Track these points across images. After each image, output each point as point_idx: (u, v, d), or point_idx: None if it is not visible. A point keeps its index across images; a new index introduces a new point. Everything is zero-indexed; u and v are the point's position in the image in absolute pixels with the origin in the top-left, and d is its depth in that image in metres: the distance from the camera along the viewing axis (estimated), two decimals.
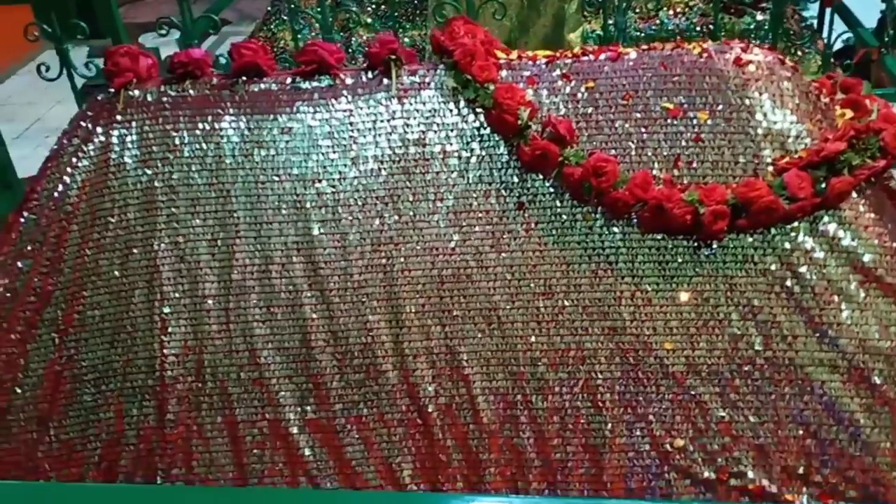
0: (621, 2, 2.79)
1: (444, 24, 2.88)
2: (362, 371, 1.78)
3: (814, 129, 1.73)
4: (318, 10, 3.67)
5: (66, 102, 4.46)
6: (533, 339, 1.75)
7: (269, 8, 4.17)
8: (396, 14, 3.17)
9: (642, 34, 3.70)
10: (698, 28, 3.66)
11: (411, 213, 1.80)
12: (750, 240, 1.71)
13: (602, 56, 1.80)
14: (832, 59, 2.94)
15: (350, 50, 3.82)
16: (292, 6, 3.35)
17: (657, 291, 1.72)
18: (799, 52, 3.44)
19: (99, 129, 1.88)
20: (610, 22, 3.10)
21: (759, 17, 3.68)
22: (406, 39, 3.77)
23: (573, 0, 3.42)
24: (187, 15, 2.77)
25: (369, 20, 3.92)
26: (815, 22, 3.89)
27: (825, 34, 3.50)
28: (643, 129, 1.75)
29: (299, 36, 3.27)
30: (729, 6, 3.69)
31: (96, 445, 1.82)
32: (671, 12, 3.74)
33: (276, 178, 1.82)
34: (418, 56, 3.67)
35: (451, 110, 1.82)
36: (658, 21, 3.68)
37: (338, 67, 1.85)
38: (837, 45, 2.82)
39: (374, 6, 3.93)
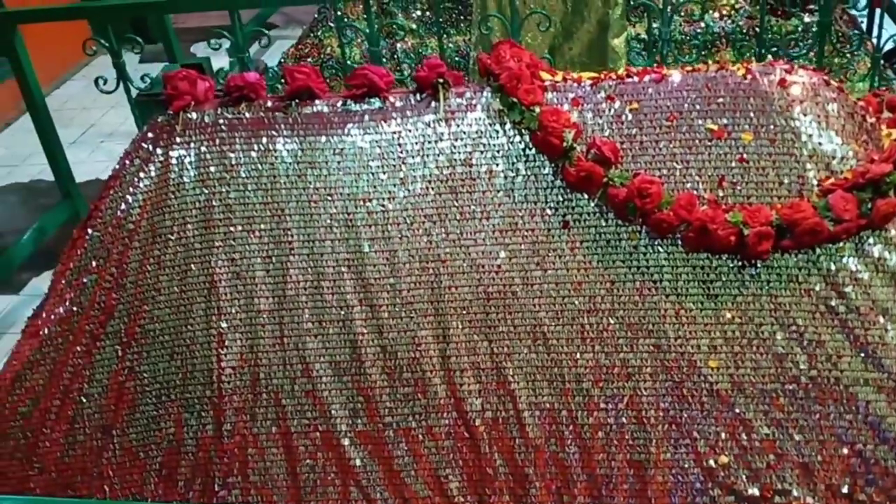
0: (665, 6, 2.79)
1: (489, 39, 2.91)
2: (411, 385, 1.83)
3: (859, 151, 1.74)
4: (365, 19, 3.74)
5: (119, 107, 4.61)
6: (578, 355, 1.78)
7: (315, 15, 4.24)
8: (441, 20, 3.20)
9: (687, 37, 3.68)
10: (744, 31, 3.64)
11: (458, 232, 1.85)
12: (794, 260, 1.72)
13: (646, 78, 1.83)
14: (882, 62, 2.91)
15: (395, 56, 3.87)
16: (338, 13, 3.41)
17: (701, 310, 1.75)
18: (847, 55, 3.40)
19: (159, 151, 1.96)
20: (655, 26, 3.10)
21: (807, 19, 3.64)
22: (450, 45, 3.81)
23: (617, 5, 3.42)
24: (238, 27, 2.85)
25: (414, 26, 3.96)
26: (864, 21, 3.84)
27: (874, 35, 3.47)
28: (687, 150, 1.77)
29: (346, 42, 3.33)
30: (776, 8, 3.65)
31: (157, 453, 1.91)
32: (717, 15, 3.72)
33: (328, 198, 1.89)
34: (463, 62, 3.73)
35: (497, 132, 1.86)
36: (703, 24, 3.66)
37: (387, 90, 1.90)
38: (888, 46, 2.78)
39: (418, 13, 3.97)
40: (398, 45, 3.91)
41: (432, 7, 3.84)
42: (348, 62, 3.25)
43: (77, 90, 5.23)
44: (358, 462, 1.84)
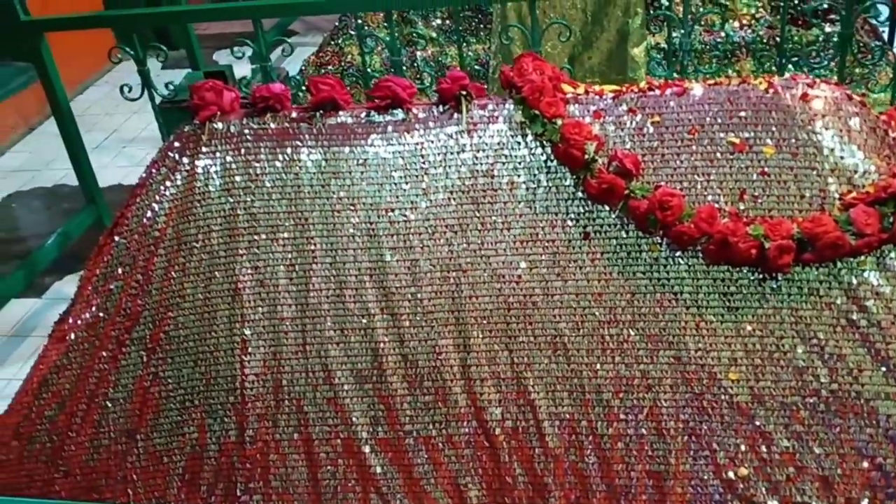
0: (686, 16, 2.80)
1: (509, 48, 2.93)
2: (431, 393, 1.85)
3: (881, 165, 1.74)
4: (386, 27, 3.77)
5: (141, 113, 4.67)
6: (598, 366, 1.79)
7: (336, 23, 4.27)
8: (461, 29, 3.22)
9: (707, 47, 3.68)
10: (764, 41, 3.63)
11: (479, 242, 1.86)
12: (815, 273, 1.72)
13: (668, 91, 1.84)
14: None
15: (415, 64, 3.90)
16: (359, 22, 3.45)
17: (722, 322, 1.76)
18: (869, 66, 3.39)
19: (185, 160, 1.99)
20: (674, 36, 3.11)
21: (828, 29, 3.63)
22: (470, 54, 3.83)
23: (637, 15, 3.43)
24: (260, 35, 2.88)
25: (433, 35, 3.99)
26: (885, 31, 3.82)
27: None
28: (709, 163, 1.78)
29: (367, 52, 3.36)
30: (796, 18, 3.65)
31: (181, 458, 1.93)
32: (737, 24, 3.71)
33: (351, 207, 1.91)
34: (482, 71, 3.75)
35: (519, 143, 1.87)
36: (723, 34, 3.66)
37: (410, 102, 1.92)
38: None
39: (438, 21, 4.00)
40: (418, 54, 3.93)
41: (452, 16, 3.86)
42: (368, 70, 3.28)
43: (99, 96, 5.29)
44: (378, 469, 1.86)
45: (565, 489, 1.78)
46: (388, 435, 1.86)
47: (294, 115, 1.99)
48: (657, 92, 1.85)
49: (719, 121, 1.80)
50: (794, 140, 1.76)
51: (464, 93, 1.90)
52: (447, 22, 3.97)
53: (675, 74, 2.95)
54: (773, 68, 3.37)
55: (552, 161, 1.85)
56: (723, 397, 1.74)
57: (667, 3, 3.53)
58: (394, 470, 1.85)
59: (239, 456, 1.90)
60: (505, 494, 1.80)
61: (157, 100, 2.98)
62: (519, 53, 3.38)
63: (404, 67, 3.69)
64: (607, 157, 1.80)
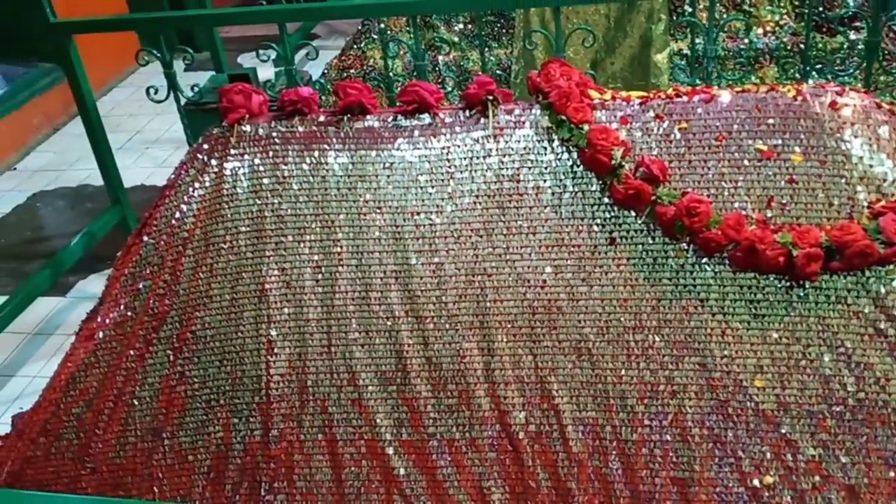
0: (711, 24, 2.80)
1: (531, 53, 2.92)
2: (455, 396, 1.86)
3: None
4: (408, 31, 3.78)
5: (164, 115, 4.70)
6: (623, 372, 1.80)
7: (359, 27, 4.29)
8: (483, 34, 3.23)
9: (730, 53, 3.67)
10: (788, 48, 3.61)
11: (505, 246, 1.87)
12: (843, 281, 1.72)
13: (695, 97, 1.84)
14: None
15: (436, 69, 3.91)
16: (381, 26, 3.46)
17: (748, 329, 1.75)
18: (894, 73, 3.37)
19: (213, 162, 2.01)
20: (698, 42, 3.11)
21: (852, 36, 3.61)
22: (492, 58, 3.84)
23: (661, 21, 3.43)
24: (285, 39, 2.90)
25: (456, 39, 4.00)
26: None
27: None
28: (736, 170, 1.78)
29: (389, 55, 3.38)
30: (821, 25, 3.63)
31: (206, 457, 1.95)
32: (760, 31, 3.70)
33: (378, 211, 1.92)
34: (504, 76, 3.76)
35: (545, 148, 1.88)
36: (747, 41, 3.64)
37: (437, 107, 1.93)
38: None
39: (460, 26, 4.01)
40: (440, 58, 3.94)
41: (474, 20, 3.87)
42: (391, 74, 3.29)
43: (122, 98, 5.34)
44: (402, 471, 1.86)
45: (589, 494, 1.78)
46: (411, 437, 1.87)
47: (322, 118, 2.00)
48: (684, 98, 1.85)
49: (747, 128, 1.80)
50: (822, 148, 1.75)
51: (490, 98, 1.91)
52: (469, 27, 3.98)
53: (698, 81, 2.94)
54: (797, 76, 3.35)
55: (578, 166, 1.85)
56: (748, 405, 1.74)
57: (690, 10, 3.52)
58: (417, 472, 1.86)
59: (263, 455, 1.91)
60: (528, 498, 1.81)
61: (182, 101, 3.02)
62: (541, 58, 3.42)
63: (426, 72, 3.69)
64: (634, 162, 1.80)
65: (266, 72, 3.73)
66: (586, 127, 1.82)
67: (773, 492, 1.71)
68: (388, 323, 1.89)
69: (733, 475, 1.73)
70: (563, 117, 1.83)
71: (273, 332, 1.92)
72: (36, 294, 3.16)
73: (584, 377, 1.81)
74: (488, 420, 1.84)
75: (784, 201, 1.76)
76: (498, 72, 3.85)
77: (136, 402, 1.99)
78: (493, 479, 1.83)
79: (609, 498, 1.78)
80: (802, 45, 3.25)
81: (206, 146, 2.04)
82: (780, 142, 1.78)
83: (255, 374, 1.92)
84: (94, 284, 3.45)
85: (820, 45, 3.58)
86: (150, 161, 4.48)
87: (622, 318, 1.80)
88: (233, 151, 2.00)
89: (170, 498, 1.96)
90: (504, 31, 3.96)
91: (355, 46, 4.16)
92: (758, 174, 1.77)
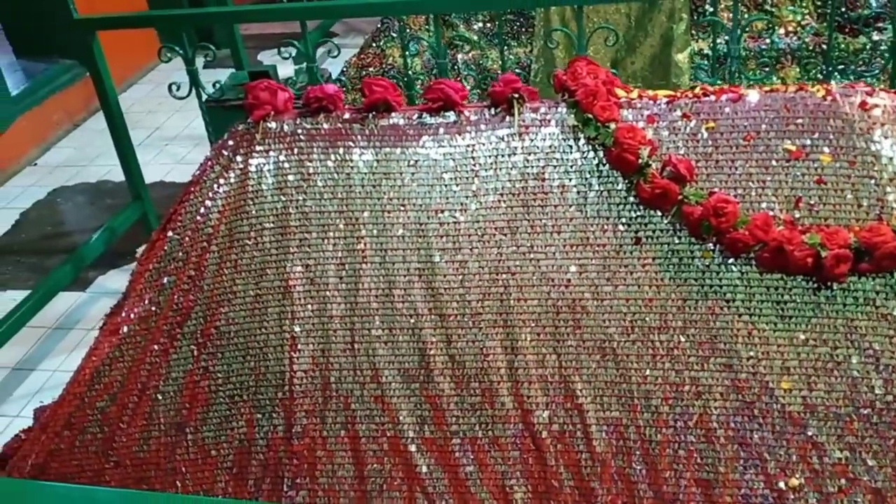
0: (736, 25, 2.78)
1: (551, 52, 2.91)
2: (478, 395, 1.86)
3: None
4: (427, 29, 3.78)
5: (184, 111, 4.73)
6: (647, 372, 1.79)
7: (378, 25, 4.30)
8: (502, 32, 3.23)
9: (752, 53, 3.65)
10: (810, 48, 3.59)
11: (529, 245, 1.87)
12: (872, 283, 1.70)
13: (723, 97, 1.83)
14: None
15: (455, 67, 3.90)
16: (400, 24, 3.46)
17: (775, 330, 1.74)
18: None
19: (238, 158, 2.02)
20: (720, 41, 3.09)
21: (875, 36, 3.58)
22: (511, 57, 3.83)
23: (682, 20, 3.42)
24: (307, 35, 2.91)
25: (475, 38, 4.00)
26: None
27: None
28: (764, 170, 1.77)
29: (409, 53, 3.38)
30: (843, 25, 3.60)
31: (229, 452, 1.96)
32: (782, 31, 3.68)
33: (402, 208, 1.92)
34: (524, 74, 3.75)
35: (570, 147, 1.88)
36: (769, 41, 3.62)
37: (462, 104, 1.93)
38: None
39: (480, 24, 4.00)
40: (459, 57, 3.94)
41: (494, 19, 3.86)
42: (410, 73, 3.29)
43: (143, 94, 5.36)
44: (424, 469, 1.86)
45: (612, 494, 1.78)
46: (434, 435, 1.87)
47: (346, 115, 2.01)
48: (712, 98, 1.84)
49: (775, 127, 1.79)
50: (852, 148, 1.74)
51: (516, 95, 1.90)
52: (489, 25, 3.97)
53: (718, 81, 2.93)
54: (819, 76, 3.33)
55: (604, 165, 1.85)
56: (774, 406, 1.73)
57: (711, 10, 3.50)
58: (439, 470, 1.86)
59: (286, 451, 1.92)
60: (551, 498, 1.80)
61: (203, 98, 3.03)
62: (562, 57, 3.41)
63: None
64: (661, 161, 1.80)
65: (285, 69, 3.74)
66: (613, 125, 1.81)
67: (798, 494, 1.70)
68: (412, 320, 1.89)
69: (758, 477, 1.72)
70: (590, 116, 1.83)
71: (297, 329, 1.93)
72: (56, 289, 3.18)
73: (608, 377, 1.81)
74: (511, 419, 1.84)
75: (812, 202, 1.74)
76: (517, 70, 3.84)
77: (160, 397, 2.00)
78: (516, 477, 1.83)
79: (632, 498, 1.77)
80: (825, 46, 3.23)
81: (231, 142, 2.05)
82: (808, 142, 1.76)
83: (278, 369, 1.93)
84: (115, 280, 3.47)
85: (843, 46, 3.55)
86: (170, 157, 4.50)
87: (647, 318, 1.80)
88: (258, 148, 2.01)
89: (193, 492, 1.96)
90: (524, 29, 3.95)
91: (374, 44, 4.16)
92: (786, 174, 1.76)
